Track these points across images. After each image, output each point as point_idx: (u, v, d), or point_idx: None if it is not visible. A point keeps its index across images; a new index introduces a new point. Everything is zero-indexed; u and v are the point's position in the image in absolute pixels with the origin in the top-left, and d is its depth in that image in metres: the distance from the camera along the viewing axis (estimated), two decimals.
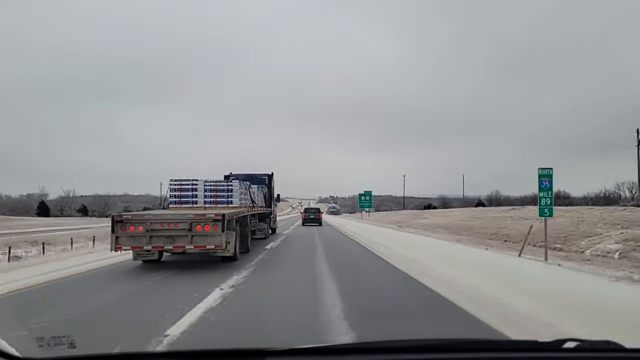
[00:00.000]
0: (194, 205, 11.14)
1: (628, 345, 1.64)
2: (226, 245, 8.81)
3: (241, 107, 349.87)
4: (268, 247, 13.85)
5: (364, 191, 52.60)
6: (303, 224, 32.24)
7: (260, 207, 15.79)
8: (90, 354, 1.51)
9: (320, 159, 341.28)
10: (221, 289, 6.41)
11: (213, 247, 8.59)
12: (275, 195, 21.03)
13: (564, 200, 52.21)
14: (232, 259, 9.57)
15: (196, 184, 11.23)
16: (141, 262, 9.34)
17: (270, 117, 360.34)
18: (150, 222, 8.49)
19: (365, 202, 52.03)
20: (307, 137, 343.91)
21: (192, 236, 8.49)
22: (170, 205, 11.39)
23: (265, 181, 18.70)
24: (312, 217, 33.13)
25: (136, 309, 5.48)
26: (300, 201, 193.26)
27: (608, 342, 1.63)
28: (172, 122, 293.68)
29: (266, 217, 17.54)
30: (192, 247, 8.55)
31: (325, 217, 40.62)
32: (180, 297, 5.79)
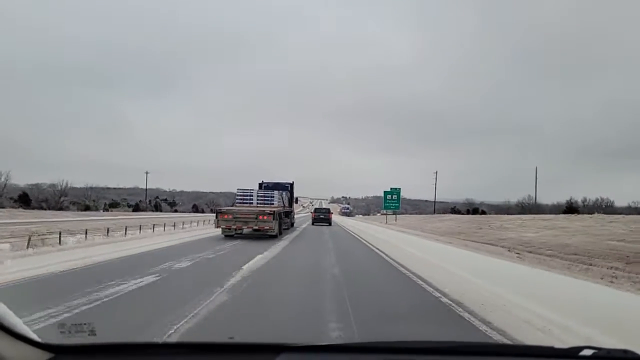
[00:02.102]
0: (251, 205, 19.59)
1: None
2: (274, 227, 17.21)
3: (251, 104, 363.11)
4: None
5: (391, 188, 45.18)
6: (313, 224, 36.93)
7: (286, 206, 24.19)
8: (109, 342, 1.57)
9: (332, 158, 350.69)
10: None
11: (268, 228, 16.96)
12: (295, 198, 29.44)
13: (607, 209, 47.44)
14: (275, 237, 17.83)
15: (252, 192, 19.78)
16: (225, 235, 17.77)
17: (279, 114, 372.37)
18: (235, 213, 16.97)
19: (392, 203, 45.32)
20: (319, 135, 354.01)
21: (257, 221, 16.90)
22: (236, 204, 19.86)
23: (288, 188, 26.97)
24: (321, 217, 38.31)
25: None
26: (311, 200, 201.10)
27: (625, 351, 1.65)
28: (182, 117, 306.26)
29: (289, 214, 25.92)
30: (257, 227, 16.96)
31: (340, 220, 42.85)
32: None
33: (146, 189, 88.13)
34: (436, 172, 73.63)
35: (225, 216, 16.98)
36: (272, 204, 19.81)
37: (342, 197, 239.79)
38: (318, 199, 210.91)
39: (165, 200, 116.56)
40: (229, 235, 17.66)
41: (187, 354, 1.65)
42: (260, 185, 25.58)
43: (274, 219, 17.01)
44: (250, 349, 1.69)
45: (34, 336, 1.43)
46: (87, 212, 54.05)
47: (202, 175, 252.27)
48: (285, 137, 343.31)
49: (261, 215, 16.93)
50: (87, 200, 73.66)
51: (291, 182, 27.90)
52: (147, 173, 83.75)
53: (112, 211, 67.07)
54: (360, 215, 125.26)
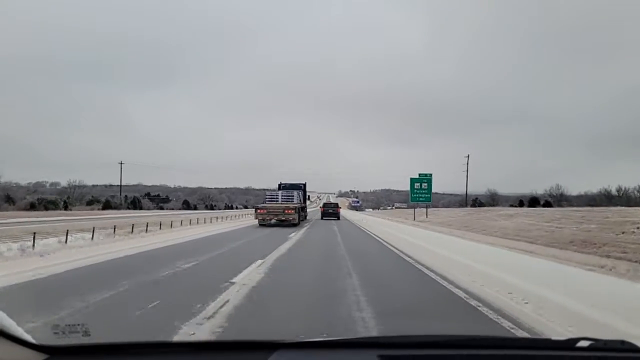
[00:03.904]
0: (277, 202, 27.38)
1: None
2: (296, 218, 25.09)
3: (258, 98, 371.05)
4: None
5: (419, 175, 38.09)
6: (322, 218, 40.22)
7: (302, 203, 32.05)
8: (102, 342, 1.62)
9: (339, 152, 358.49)
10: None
11: (291, 219, 24.87)
12: (307, 196, 37.37)
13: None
14: (296, 225, 25.58)
15: (278, 193, 27.76)
16: (259, 225, 25.63)
17: (286, 108, 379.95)
18: (268, 208, 24.94)
19: (422, 194, 37.88)
20: (326, 129, 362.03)
21: (283, 214, 24.79)
22: (266, 201, 27.72)
23: (302, 187, 34.81)
24: (330, 212, 41.65)
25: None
26: (319, 195, 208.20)
27: (622, 342, 1.72)
28: (184, 110, 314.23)
29: (304, 209, 33.78)
30: (284, 219, 24.85)
31: (355, 217, 46.48)
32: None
33: (120, 185, 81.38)
34: (468, 156, 62.10)
35: (261, 211, 24.98)
36: (293, 201, 27.66)
37: (350, 190, 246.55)
38: (325, 193, 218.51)
39: (158, 196, 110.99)
40: (262, 225, 25.53)
41: (181, 353, 1.71)
42: (279, 185, 33.55)
43: (295, 212, 24.93)
44: (245, 347, 1.71)
45: (29, 337, 1.47)
46: (24, 212, 44.57)
47: (207, 172, 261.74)
48: (290, 132, 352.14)
49: (287, 210, 24.84)
50: (61, 198, 65.78)
51: (304, 182, 35.99)
52: (121, 164, 75.89)
53: (70, 209, 57.02)
54: (371, 210, 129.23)
